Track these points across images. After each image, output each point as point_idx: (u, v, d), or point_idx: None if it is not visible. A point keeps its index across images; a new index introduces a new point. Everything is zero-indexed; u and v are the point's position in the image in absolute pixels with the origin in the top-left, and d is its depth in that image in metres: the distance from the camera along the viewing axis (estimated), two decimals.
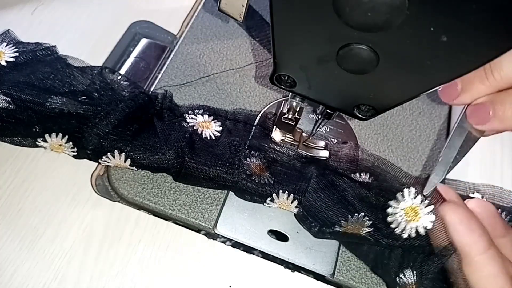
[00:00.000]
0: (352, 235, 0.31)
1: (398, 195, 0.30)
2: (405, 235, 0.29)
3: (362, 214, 0.30)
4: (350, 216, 0.30)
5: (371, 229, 0.30)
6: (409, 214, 0.29)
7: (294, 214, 0.34)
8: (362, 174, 0.34)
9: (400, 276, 0.30)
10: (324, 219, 0.31)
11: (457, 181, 0.38)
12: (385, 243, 0.30)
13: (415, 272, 0.30)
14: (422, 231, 0.29)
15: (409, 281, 0.30)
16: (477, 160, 0.42)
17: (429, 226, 0.29)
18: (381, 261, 0.32)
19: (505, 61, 0.23)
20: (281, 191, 0.32)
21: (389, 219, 0.30)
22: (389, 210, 0.30)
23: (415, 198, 0.30)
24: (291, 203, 0.32)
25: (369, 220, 0.30)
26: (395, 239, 0.30)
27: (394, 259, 0.31)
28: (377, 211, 0.31)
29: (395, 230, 0.29)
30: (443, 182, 0.37)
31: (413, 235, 0.29)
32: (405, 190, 0.30)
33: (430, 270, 0.29)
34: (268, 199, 0.33)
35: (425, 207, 0.29)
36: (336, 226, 0.31)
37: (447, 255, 0.28)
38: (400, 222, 0.29)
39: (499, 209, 0.35)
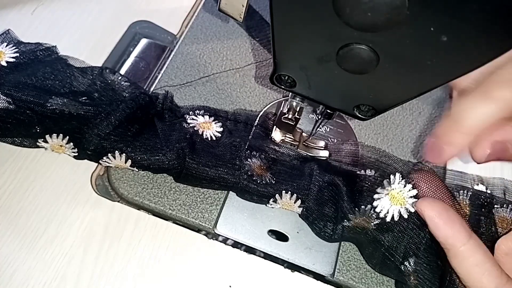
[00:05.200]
0: (363, 231, 0.31)
1: (385, 181, 0.31)
2: (388, 218, 0.30)
3: (369, 206, 0.30)
4: (357, 209, 0.31)
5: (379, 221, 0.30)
6: (394, 198, 0.30)
7: (299, 214, 0.34)
8: (367, 171, 0.34)
9: (405, 263, 0.31)
10: (332, 215, 0.31)
11: (461, 173, 0.38)
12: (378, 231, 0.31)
13: (412, 260, 0.30)
14: (405, 215, 0.30)
15: (410, 270, 0.30)
16: None
17: (412, 210, 0.29)
18: (384, 252, 0.32)
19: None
20: (283, 191, 0.32)
21: (375, 203, 0.30)
22: (375, 196, 0.31)
23: (398, 183, 0.30)
24: (294, 203, 0.32)
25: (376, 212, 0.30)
26: (381, 223, 0.30)
27: (395, 248, 0.31)
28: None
29: (379, 213, 0.30)
30: (444, 173, 0.37)
31: (396, 218, 0.30)
32: (391, 176, 0.31)
33: (423, 256, 0.30)
34: (271, 199, 0.33)
35: (408, 191, 0.30)
36: (345, 221, 0.31)
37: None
38: (384, 206, 0.30)
39: (505, 204, 0.34)
